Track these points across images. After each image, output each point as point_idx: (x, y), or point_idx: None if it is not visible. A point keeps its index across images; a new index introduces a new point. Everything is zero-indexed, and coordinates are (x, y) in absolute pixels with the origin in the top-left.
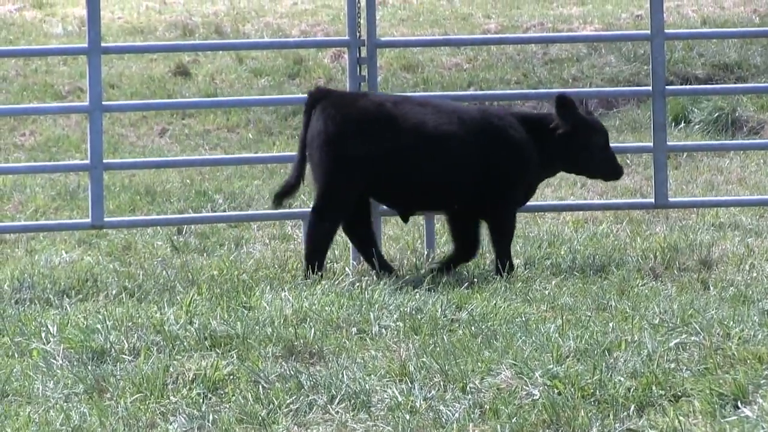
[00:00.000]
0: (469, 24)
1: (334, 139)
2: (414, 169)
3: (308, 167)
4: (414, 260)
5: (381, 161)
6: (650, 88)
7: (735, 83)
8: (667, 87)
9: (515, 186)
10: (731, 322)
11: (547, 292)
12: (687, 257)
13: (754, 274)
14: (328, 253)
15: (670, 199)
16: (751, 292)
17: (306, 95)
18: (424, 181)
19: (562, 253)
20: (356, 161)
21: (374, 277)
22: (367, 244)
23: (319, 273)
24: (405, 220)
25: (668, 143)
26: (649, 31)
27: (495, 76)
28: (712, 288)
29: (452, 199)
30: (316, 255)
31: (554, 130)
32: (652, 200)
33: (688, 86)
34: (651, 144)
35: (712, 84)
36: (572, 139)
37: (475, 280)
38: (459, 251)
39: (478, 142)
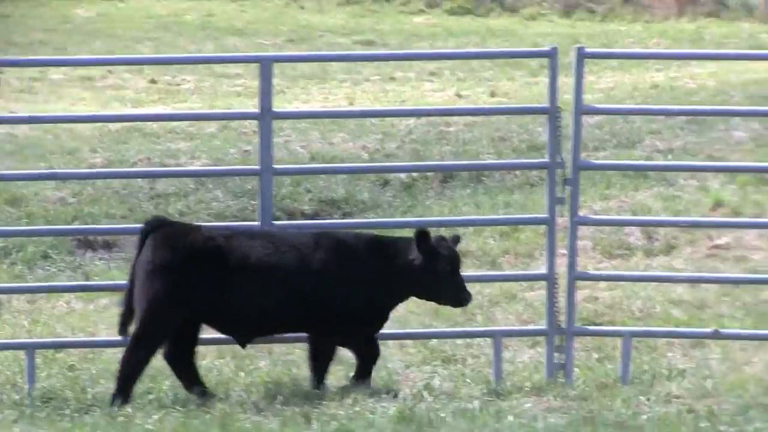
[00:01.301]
0: (75, 158)
1: (158, 269)
2: (243, 300)
3: None
4: (14, 396)
5: (208, 293)
6: (258, 223)
7: (342, 219)
8: (274, 222)
9: (360, 312)
10: None
11: (148, 426)
12: (290, 391)
13: (357, 408)
14: None
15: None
16: (353, 426)
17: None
18: (254, 311)
19: (165, 387)
20: (178, 293)
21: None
22: (187, 373)
23: (127, 400)
24: (242, 345)
25: None
26: (258, 167)
27: (100, 210)
28: (314, 422)
29: (287, 325)
30: (127, 381)
31: (412, 261)
32: None
33: (294, 221)
34: None
35: (319, 219)
36: (421, 267)
37: (75, 414)
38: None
39: (310, 270)
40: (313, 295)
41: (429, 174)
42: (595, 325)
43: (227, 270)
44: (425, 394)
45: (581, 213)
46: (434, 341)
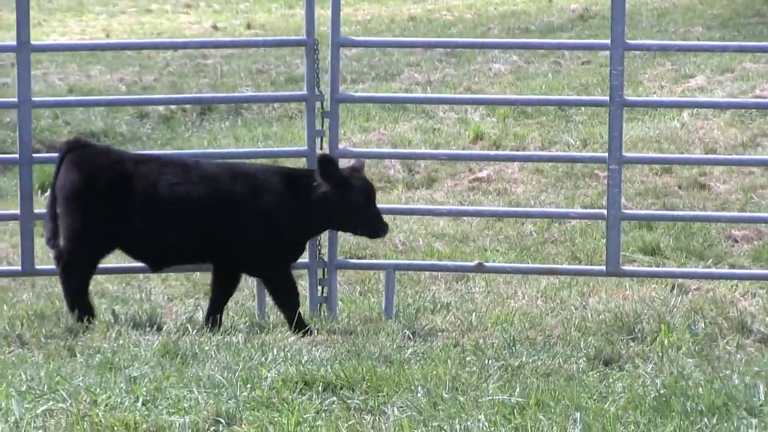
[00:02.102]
0: None
1: (70, 194)
2: (153, 228)
3: None
4: None
5: (119, 218)
6: (17, 156)
7: None
8: (34, 155)
9: (273, 243)
10: (98, 389)
11: None
12: (54, 324)
13: (121, 341)
14: None
15: (38, 267)
16: (117, 359)
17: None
18: (165, 239)
19: None
20: (96, 217)
21: None
22: None
23: (91, 318)
24: (154, 272)
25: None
26: (16, 99)
27: None
28: (79, 355)
29: (199, 255)
30: (80, 311)
31: (318, 188)
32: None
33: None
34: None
35: None
36: (335, 198)
37: None
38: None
39: (220, 201)
40: (226, 228)
41: (187, 107)
42: (358, 258)
43: (134, 196)
44: (189, 327)
45: (341, 146)
46: (197, 274)
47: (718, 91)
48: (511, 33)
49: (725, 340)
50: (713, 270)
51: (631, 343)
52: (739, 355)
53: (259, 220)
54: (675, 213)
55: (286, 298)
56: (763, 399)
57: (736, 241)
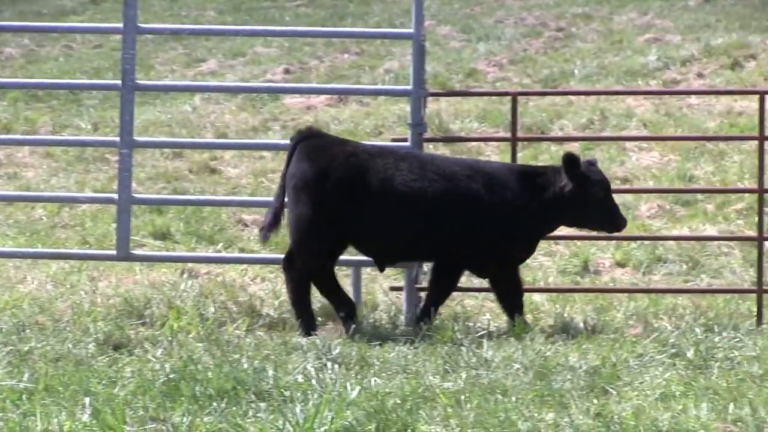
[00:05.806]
0: None
1: (305, 184)
2: (382, 223)
3: None
4: None
5: (348, 213)
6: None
7: None
8: None
9: (511, 243)
10: None
11: None
12: None
13: None
14: None
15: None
16: None
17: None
18: (394, 236)
19: None
20: (323, 209)
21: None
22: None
23: (309, 324)
24: (381, 269)
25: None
26: None
27: None
28: None
29: (429, 252)
30: (300, 305)
31: (563, 189)
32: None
33: None
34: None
35: None
36: (573, 194)
37: None
38: (435, 296)
39: (458, 198)
40: (464, 226)
41: None
42: None
43: (368, 190)
44: None
45: None
46: None
47: (229, 75)
48: (23, 16)
49: (235, 324)
50: (223, 254)
51: (141, 328)
52: (248, 339)
53: (496, 218)
54: (185, 197)
55: (512, 299)
56: (271, 382)
57: (247, 226)
